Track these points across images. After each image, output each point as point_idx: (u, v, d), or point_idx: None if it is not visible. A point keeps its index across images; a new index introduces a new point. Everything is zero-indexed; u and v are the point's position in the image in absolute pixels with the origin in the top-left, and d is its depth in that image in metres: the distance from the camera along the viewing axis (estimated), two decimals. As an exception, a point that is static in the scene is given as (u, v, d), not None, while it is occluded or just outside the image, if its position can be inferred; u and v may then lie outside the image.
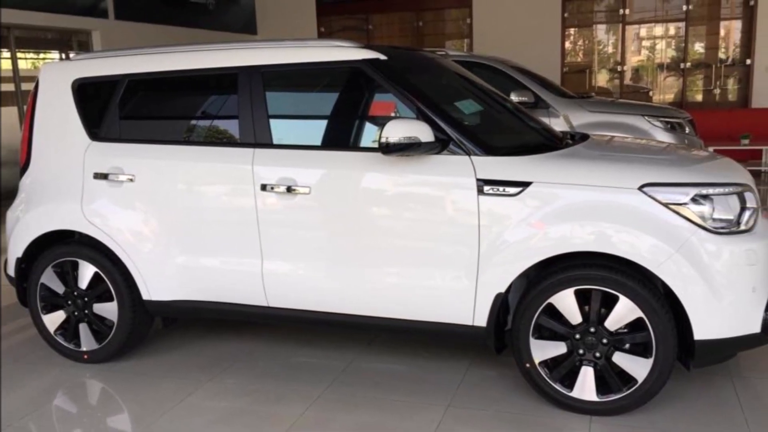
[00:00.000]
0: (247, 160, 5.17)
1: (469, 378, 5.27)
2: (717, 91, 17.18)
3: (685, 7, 16.99)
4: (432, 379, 5.27)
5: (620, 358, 4.54)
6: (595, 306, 4.54)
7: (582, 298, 4.57)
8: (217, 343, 6.13)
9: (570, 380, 4.68)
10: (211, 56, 5.45)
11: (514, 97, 9.32)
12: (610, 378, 4.58)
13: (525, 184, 4.61)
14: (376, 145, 4.88)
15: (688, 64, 17.31)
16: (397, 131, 4.60)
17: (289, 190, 5.05)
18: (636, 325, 4.48)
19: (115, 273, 5.57)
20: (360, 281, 5.03)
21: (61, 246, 5.74)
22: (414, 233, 4.88)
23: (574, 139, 5.65)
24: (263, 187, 5.11)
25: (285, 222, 5.13)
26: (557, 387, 4.70)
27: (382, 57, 5.13)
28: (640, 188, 4.43)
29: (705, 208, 4.41)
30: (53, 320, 5.84)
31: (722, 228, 4.42)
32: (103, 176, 5.55)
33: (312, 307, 5.20)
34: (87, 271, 5.67)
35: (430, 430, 4.55)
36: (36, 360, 5.92)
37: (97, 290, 5.66)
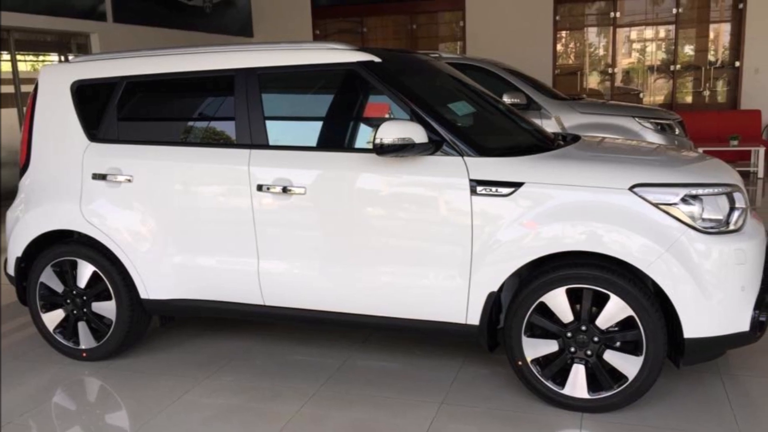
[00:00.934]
0: (243, 160, 5.17)
1: (462, 376, 5.27)
2: (706, 93, 17.19)
3: (675, 10, 17.00)
4: (425, 377, 5.28)
5: (611, 356, 4.54)
6: (587, 305, 4.55)
7: (573, 296, 4.58)
8: (214, 341, 6.13)
9: (561, 378, 4.68)
10: (208, 58, 5.45)
11: (506, 99, 9.32)
12: (601, 375, 4.59)
13: (517, 185, 4.62)
14: (370, 146, 4.88)
15: (678, 67, 17.32)
16: (391, 132, 4.60)
17: (284, 190, 5.05)
18: (627, 324, 4.49)
19: (114, 272, 5.57)
20: (355, 280, 5.03)
21: (60, 245, 5.73)
22: (408, 233, 4.88)
23: (566, 140, 5.65)
24: (259, 188, 5.11)
25: (281, 222, 5.13)
26: (549, 384, 4.70)
27: (377, 59, 5.13)
28: (631, 189, 4.44)
29: (695, 208, 4.41)
30: (52, 319, 5.83)
31: (712, 228, 4.42)
32: (102, 177, 5.54)
33: (307, 305, 5.20)
34: (86, 271, 5.66)
35: (423, 427, 4.56)
36: (35, 358, 5.92)
37: (96, 289, 5.66)
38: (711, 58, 17.19)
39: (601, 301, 4.50)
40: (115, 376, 5.52)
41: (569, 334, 4.60)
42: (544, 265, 4.66)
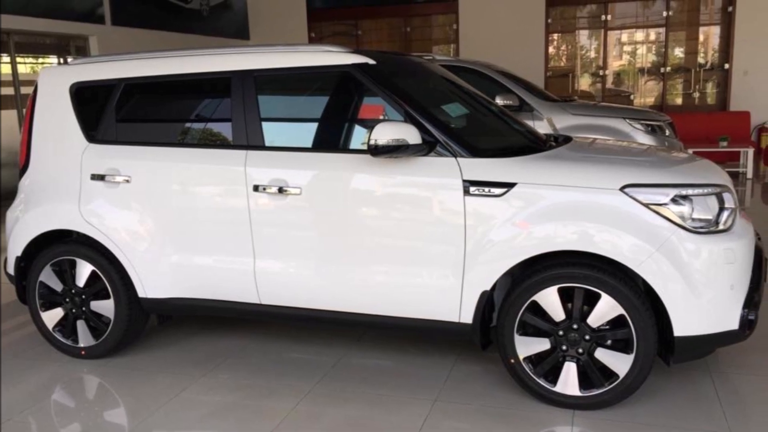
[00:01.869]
0: (239, 161, 5.17)
1: (456, 373, 5.27)
2: (696, 94, 17.22)
3: (665, 13, 17.03)
4: (419, 375, 5.27)
5: (602, 354, 4.54)
6: (578, 303, 4.55)
7: (565, 295, 4.58)
8: (210, 340, 6.12)
9: (553, 375, 4.68)
10: (205, 61, 5.45)
11: (499, 101, 9.33)
12: (592, 373, 4.59)
13: (510, 185, 4.62)
14: (365, 147, 4.88)
15: (668, 69, 17.34)
16: (385, 134, 4.60)
17: (280, 190, 5.04)
18: (617, 322, 4.49)
19: (112, 271, 5.57)
20: (349, 279, 5.02)
21: (59, 245, 5.72)
22: (402, 233, 4.88)
23: (558, 141, 5.65)
24: (255, 188, 5.11)
25: (277, 222, 5.13)
26: (541, 382, 4.70)
27: (371, 61, 5.13)
28: (622, 189, 4.44)
29: (684, 209, 4.42)
30: (52, 317, 5.82)
31: (701, 228, 4.42)
32: (100, 177, 5.53)
33: (303, 304, 5.20)
34: (84, 270, 5.66)
35: (417, 424, 4.56)
36: (35, 356, 5.91)
37: (95, 288, 5.65)
38: (701, 60, 17.21)
39: (592, 299, 4.50)
40: (113, 374, 5.51)
41: (561, 333, 4.60)
42: (536, 265, 4.66)
